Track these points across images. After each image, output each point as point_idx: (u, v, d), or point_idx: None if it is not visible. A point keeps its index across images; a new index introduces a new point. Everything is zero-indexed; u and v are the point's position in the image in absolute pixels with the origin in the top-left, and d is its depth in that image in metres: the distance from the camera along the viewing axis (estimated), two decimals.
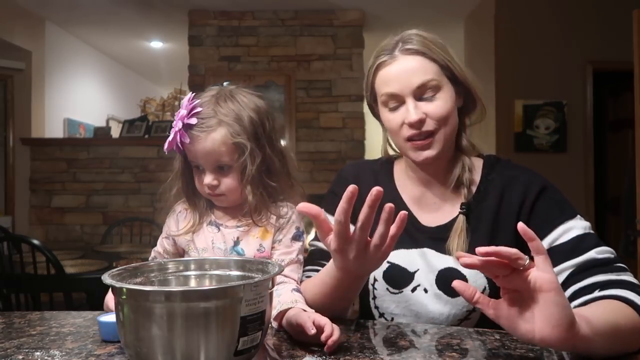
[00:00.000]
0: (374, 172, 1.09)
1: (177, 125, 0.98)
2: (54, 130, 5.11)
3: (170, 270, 0.79)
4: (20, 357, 0.73)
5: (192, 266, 0.80)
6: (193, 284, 0.79)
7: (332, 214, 1.06)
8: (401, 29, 1.01)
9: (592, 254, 0.86)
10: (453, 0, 4.48)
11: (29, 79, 4.72)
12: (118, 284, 0.64)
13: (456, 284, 0.69)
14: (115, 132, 5.11)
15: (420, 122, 0.93)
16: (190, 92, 1.02)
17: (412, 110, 0.92)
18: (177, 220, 1.08)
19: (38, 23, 4.89)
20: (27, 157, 4.56)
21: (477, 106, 1.01)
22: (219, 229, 1.05)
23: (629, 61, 2.64)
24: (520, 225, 0.67)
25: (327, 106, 4.71)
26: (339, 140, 4.70)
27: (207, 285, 0.79)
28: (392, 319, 1.01)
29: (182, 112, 0.98)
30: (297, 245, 1.05)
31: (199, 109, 0.99)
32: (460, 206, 0.98)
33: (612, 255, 0.87)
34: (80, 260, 2.75)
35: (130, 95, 6.74)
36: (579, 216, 0.92)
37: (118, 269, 0.73)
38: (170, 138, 0.99)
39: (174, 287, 0.77)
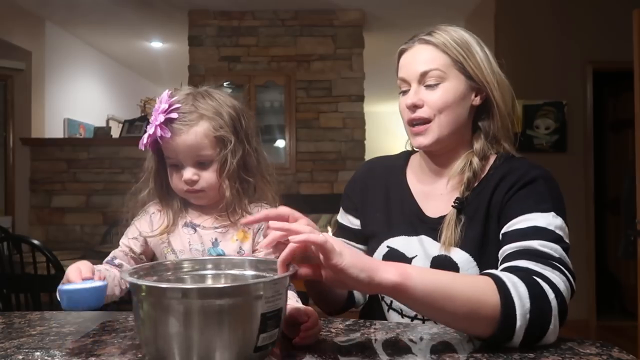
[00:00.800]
0: (386, 167, 1.14)
1: (158, 119, 0.97)
2: (54, 130, 5.10)
3: (185, 270, 0.80)
4: (20, 357, 0.73)
5: (208, 265, 0.81)
6: (209, 283, 0.80)
7: (342, 209, 1.15)
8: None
9: (534, 244, 0.84)
10: (453, 0, 4.48)
11: (29, 79, 4.71)
12: (151, 283, 0.65)
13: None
14: (115, 132, 5.11)
15: (415, 106, 0.99)
16: (167, 90, 1.02)
17: (411, 94, 1.00)
18: (151, 222, 1.07)
19: (38, 23, 4.89)
20: (27, 157, 4.56)
21: (500, 110, 1.00)
22: (196, 230, 1.05)
23: (629, 61, 2.64)
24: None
25: (327, 106, 4.71)
26: (339, 140, 4.70)
27: (223, 283, 0.79)
28: (391, 302, 1.04)
29: (163, 105, 0.97)
30: None
31: (177, 105, 0.98)
32: (455, 200, 0.99)
33: (556, 254, 0.83)
34: (80, 260, 2.75)
35: (130, 95, 6.72)
36: (553, 214, 0.88)
37: (134, 267, 0.74)
38: (150, 132, 0.98)
39: (199, 285, 0.77)
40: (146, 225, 1.07)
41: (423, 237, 1.02)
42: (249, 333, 0.63)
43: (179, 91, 1.04)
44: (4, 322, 0.92)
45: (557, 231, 0.86)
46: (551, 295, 0.76)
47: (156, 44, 5.89)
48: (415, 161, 1.13)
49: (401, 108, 1.03)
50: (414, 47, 1.01)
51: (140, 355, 0.73)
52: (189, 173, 1.01)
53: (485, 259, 0.95)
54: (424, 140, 0.99)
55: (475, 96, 1.01)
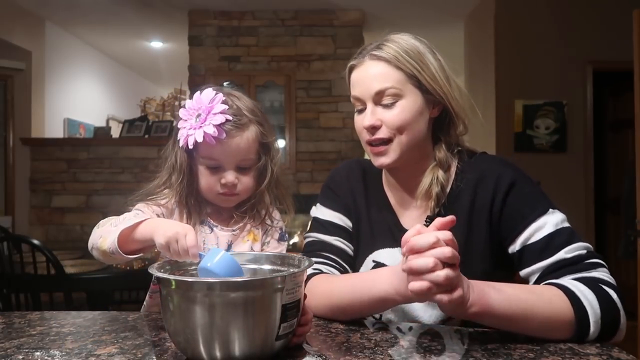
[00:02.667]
0: (364, 171, 1.11)
1: (214, 119, 0.93)
2: (54, 130, 5.10)
3: None
4: (20, 357, 0.73)
5: None
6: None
7: (328, 207, 1.09)
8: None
9: (562, 254, 0.87)
10: (453, 0, 4.48)
11: (29, 79, 4.71)
12: (179, 277, 0.69)
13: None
14: (115, 132, 5.11)
15: (374, 128, 0.96)
16: (210, 88, 0.97)
17: (368, 115, 0.97)
18: (173, 211, 1.05)
19: (38, 23, 4.89)
20: (27, 157, 4.56)
21: (459, 119, 1.00)
22: (212, 230, 1.05)
23: (629, 61, 2.63)
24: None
25: (327, 106, 4.71)
26: (339, 140, 4.70)
27: (244, 277, 0.82)
28: (380, 316, 1.02)
29: (220, 106, 0.94)
30: (284, 245, 1.09)
31: (226, 106, 0.95)
32: (425, 219, 0.99)
33: (584, 252, 0.87)
34: (80, 260, 2.76)
35: (130, 95, 6.73)
36: (551, 210, 0.91)
37: (160, 262, 0.78)
38: (209, 131, 0.93)
39: (224, 279, 0.79)
40: (167, 212, 1.05)
41: None
42: (271, 323, 0.67)
43: (204, 89, 0.99)
44: (4, 322, 0.92)
45: (565, 225, 0.90)
46: (614, 295, 0.80)
47: (156, 44, 5.89)
48: (386, 171, 1.11)
49: (358, 128, 1.00)
50: (365, 64, 0.97)
51: (140, 355, 0.73)
52: (231, 176, 0.99)
53: (469, 264, 0.91)
54: (386, 159, 0.97)
55: (433, 108, 0.99)
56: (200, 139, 0.94)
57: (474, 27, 4.78)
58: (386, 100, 0.95)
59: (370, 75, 0.96)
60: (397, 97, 0.95)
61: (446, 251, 0.71)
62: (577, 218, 0.90)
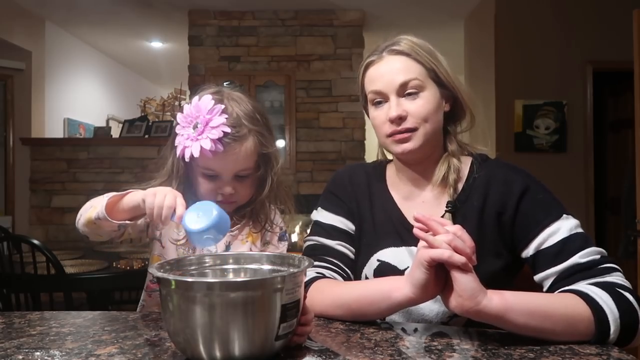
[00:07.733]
0: (367, 174, 1.12)
1: (212, 132, 0.91)
2: (54, 130, 5.11)
3: (207, 264, 0.83)
4: (20, 357, 0.73)
5: (229, 260, 0.84)
6: (230, 277, 0.83)
7: (330, 211, 1.09)
8: (401, 29, 1.03)
9: (576, 258, 0.87)
10: (453, 0, 4.48)
11: (29, 79, 4.71)
12: (179, 277, 0.69)
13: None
14: (115, 132, 5.11)
15: (400, 119, 0.97)
16: (209, 93, 0.96)
17: (393, 107, 0.98)
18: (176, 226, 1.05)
19: (38, 23, 4.89)
20: (27, 157, 4.56)
21: (466, 113, 1.04)
22: None
23: (629, 61, 2.63)
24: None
25: (327, 106, 4.71)
26: (339, 140, 4.70)
27: (243, 277, 0.83)
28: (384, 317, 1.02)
29: (219, 119, 0.92)
30: (284, 244, 1.10)
31: (226, 116, 0.93)
32: (447, 204, 1.00)
33: (598, 256, 0.87)
34: (80, 260, 2.75)
35: (130, 95, 6.73)
36: (565, 215, 0.92)
37: (160, 262, 0.78)
38: (206, 146, 0.91)
39: (224, 279, 0.80)
40: (172, 227, 1.04)
41: (413, 248, 1.00)
42: (271, 323, 0.67)
43: (203, 92, 0.98)
44: (4, 322, 0.92)
45: (578, 230, 0.91)
46: (631, 297, 0.80)
47: (156, 44, 5.89)
48: (391, 171, 1.11)
49: (379, 121, 1.00)
50: (385, 59, 1.00)
51: (140, 355, 0.73)
52: (228, 189, 0.99)
53: (478, 265, 0.92)
54: (410, 145, 0.98)
55: (446, 102, 1.02)
56: (197, 154, 0.93)
57: (474, 27, 4.78)
58: (410, 92, 0.97)
59: (393, 68, 0.98)
60: (420, 88, 0.98)
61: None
62: (577, 218, 0.90)
